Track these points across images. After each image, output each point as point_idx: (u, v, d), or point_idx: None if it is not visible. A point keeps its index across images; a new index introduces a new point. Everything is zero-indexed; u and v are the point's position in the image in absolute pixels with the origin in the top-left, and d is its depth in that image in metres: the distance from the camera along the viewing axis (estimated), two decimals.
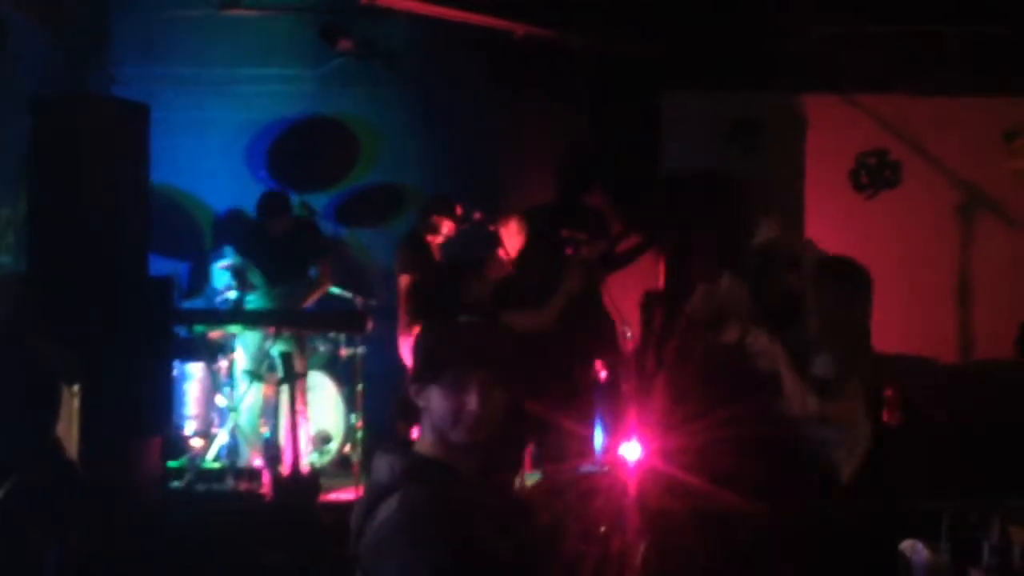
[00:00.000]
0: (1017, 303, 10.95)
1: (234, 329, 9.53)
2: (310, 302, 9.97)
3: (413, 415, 3.49)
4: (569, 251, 9.79)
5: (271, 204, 9.77)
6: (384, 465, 3.44)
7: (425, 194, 10.37)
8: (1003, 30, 10.59)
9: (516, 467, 8.25)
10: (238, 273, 9.65)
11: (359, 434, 9.51)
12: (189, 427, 9.72)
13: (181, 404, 9.70)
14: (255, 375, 9.49)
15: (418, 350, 3.56)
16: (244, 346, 9.60)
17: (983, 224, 11.32)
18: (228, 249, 9.84)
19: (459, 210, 9.54)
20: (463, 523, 3.31)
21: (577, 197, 9.97)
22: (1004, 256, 11.15)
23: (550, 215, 10.01)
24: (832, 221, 11.26)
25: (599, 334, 9.73)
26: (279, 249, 9.73)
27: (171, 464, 9.15)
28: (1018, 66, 10.74)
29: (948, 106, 11.25)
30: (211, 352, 9.61)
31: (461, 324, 3.69)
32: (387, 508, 3.32)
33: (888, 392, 7.68)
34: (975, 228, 11.33)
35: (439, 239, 9.56)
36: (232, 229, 10.42)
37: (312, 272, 9.94)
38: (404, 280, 9.29)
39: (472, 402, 3.43)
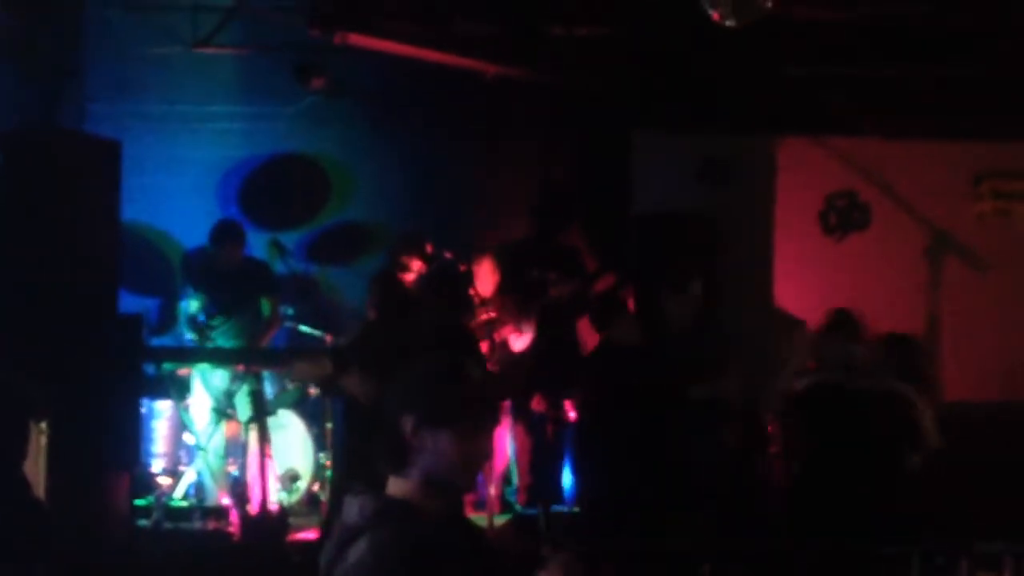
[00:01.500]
0: (985, 345, 11.01)
1: (198, 368, 9.50)
2: (266, 340, 9.96)
3: (401, 456, 3.41)
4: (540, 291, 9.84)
5: (222, 231, 9.75)
6: (354, 507, 3.40)
7: (396, 233, 10.39)
8: (973, 75, 10.67)
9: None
10: (192, 321, 9.62)
11: (328, 473, 9.48)
12: (157, 465, 9.67)
13: (149, 441, 9.64)
14: (220, 413, 9.45)
15: (429, 390, 3.46)
16: (207, 385, 9.56)
17: (951, 267, 11.39)
18: (190, 289, 9.83)
19: (429, 248, 9.56)
20: (434, 564, 3.29)
21: (551, 236, 10.02)
22: (972, 299, 11.21)
23: (522, 253, 10.05)
24: (801, 262, 11.31)
25: (570, 374, 9.76)
26: (229, 282, 9.71)
27: (138, 502, 9.10)
28: (987, 111, 10.82)
29: (917, 149, 11.33)
30: (179, 390, 9.57)
31: (472, 367, 3.57)
32: (357, 550, 3.29)
33: None
34: (943, 271, 11.39)
35: (410, 277, 9.57)
36: (190, 265, 10.42)
37: (264, 310, 9.92)
38: (372, 317, 9.29)
39: (486, 448, 3.40)
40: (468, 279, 9.36)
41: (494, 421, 3.48)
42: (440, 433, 3.34)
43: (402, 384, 3.48)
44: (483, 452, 3.43)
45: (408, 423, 3.35)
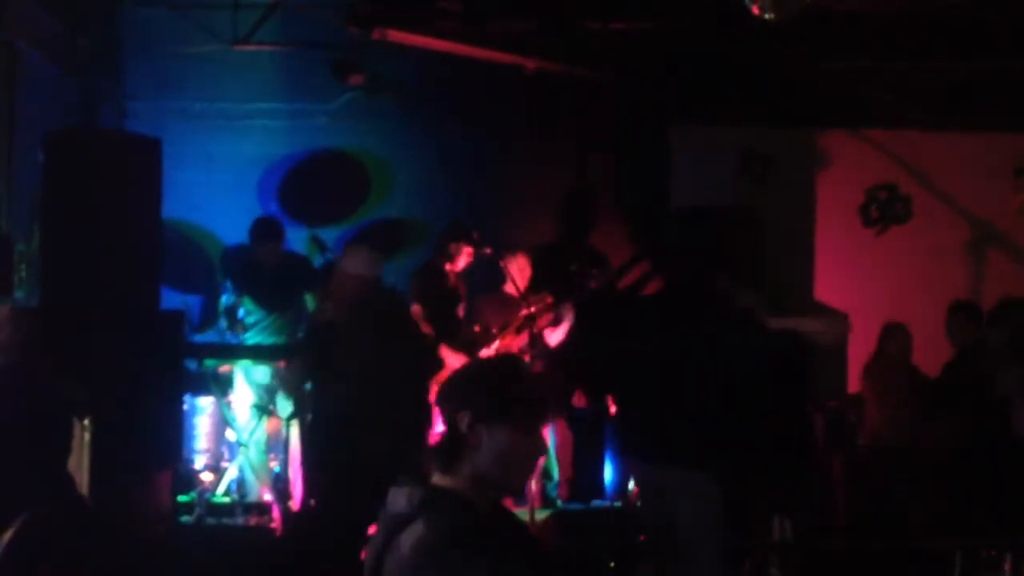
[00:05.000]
0: None
1: (241, 364, 9.52)
2: None
3: (453, 453, 3.41)
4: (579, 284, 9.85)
5: (261, 228, 9.77)
6: (401, 497, 3.39)
7: (435, 228, 10.40)
8: (1013, 66, 10.61)
9: None
10: (229, 313, 9.63)
11: None
12: (199, 461, 9.69)
13: (191, 438, 9.67)
14: (262, 409, 9.47)
15: (488, 388, 3.47)
16: (250, 381, 9.58)
17: (992, 259, 11.33)
18: (228, 283, 9.84)
19: (476, 236, 9.60)
20: (489, 550, 3.28)
21: (587, 233, 10.00)
22: (1013, 291, 11.12)
23: (561, 249, 10.06)
24: (842, 255, 11.27)
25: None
26: (272, 279, 9.73)
27: (181, 498, 9.12)
28: None
29: (958, 142, 11.28)
30: (221, 386, 9.60)
31: (527, 366, 3.57)
32: (412, 534, 3.28)
33: None
34: (984, 263, 11.33)
35: (457, 266, 9.62)
36: (230, 262, 10.46)
37: (309, 304, 9.91)
38: (415, 310, 9.31)
39: (539, 446, 3.41)
40: (506, 275, 9.39)
41: (547, 419, 3.48)
42: (495, 430, 3.35)
43: (460, 380, 3.50)
44: (536, 450, 3.44)
45: (464, 419, 3.36)
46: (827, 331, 8.68)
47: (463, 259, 9.62)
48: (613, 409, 9.67)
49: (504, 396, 3.40)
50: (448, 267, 9.62)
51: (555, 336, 9.57)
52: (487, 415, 3.37)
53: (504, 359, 3.55)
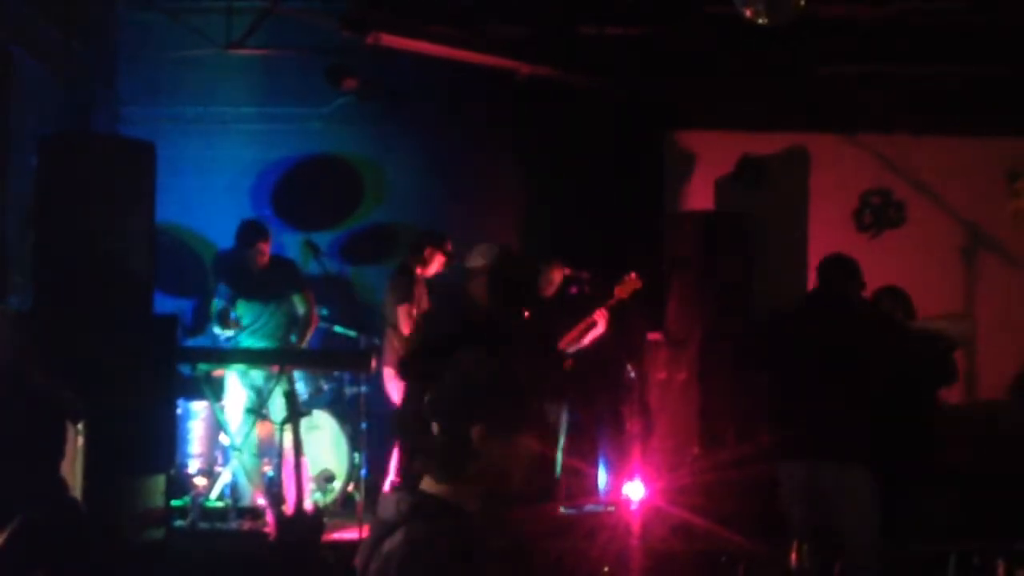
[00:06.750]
0: (1020, 343, 10.95)
1: (233, 368, 9.51)
2: (305, 340, 9.94)
3: (460, 463, 3.38)
4: (574, 290, 9.86)
5: (247, 231, 9.74)
6: (391, 503, 3.39)
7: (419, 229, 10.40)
8: (1008, 72, 10.63)
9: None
10: (222, 317, 9.61)
11: (364, 473, 9.49)
12: (193, 465, 9.70)
13: (185, 442, 9.67)
14: (255, 413, 9.46)
15: (498, 397, 3.42)
16: (243, 385, 9.56)
17: (986, 264, 11.34)
18: (221, 287, 9.83)
19: (449, 246, 9.60)
20: (468, 561, 3.27)
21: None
22: (1007, 296, 11.16)
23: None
24: None
25: (606, 374, 9.76)
26: (258, 281, 9.70)
27: (175, 503, 9.13)
28: (1021, 107, 10.77)
29: (951, 146, 11.29)
30: (215, 390, 9.59)
31: (517, 356, 3.51)
32: (391, 543, 3.30)
33: None
34: (978, 268, 11.34)
35: (428, 272, 9.58)
36: (222, 265, 10.46)
37: (301, 309, 9.87)
38: (402, 311, 9.29)
39: (548, 455, 3.40)
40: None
41: (554, 435, 3.47)
42: (502, 442, 3.32)
43: (471, 389, 3.44)
44: (540, 462, 3.41)
45: (476, 432, 3.34)
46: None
47: (434, 267, 9.59)
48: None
49: (516, 409, 3.37)
50: (419, 271, 9.58)
51: (588, 337, 9.56)
52: (497, 427, 3.33)
53: (515, 373, 3.48)
